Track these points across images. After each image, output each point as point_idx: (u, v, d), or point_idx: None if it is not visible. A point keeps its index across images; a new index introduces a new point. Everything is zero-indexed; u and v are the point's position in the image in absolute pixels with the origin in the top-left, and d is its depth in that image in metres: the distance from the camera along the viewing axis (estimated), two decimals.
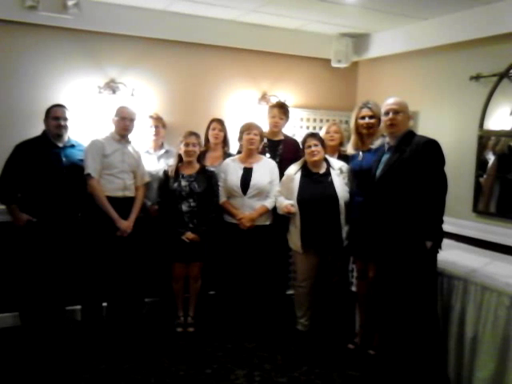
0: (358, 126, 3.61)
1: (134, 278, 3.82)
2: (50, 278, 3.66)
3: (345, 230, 3.62)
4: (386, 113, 3.15)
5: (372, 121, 3.53)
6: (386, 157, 3.20)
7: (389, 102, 3.17)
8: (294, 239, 3.72)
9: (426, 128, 4.30)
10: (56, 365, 3.37)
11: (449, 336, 3.17)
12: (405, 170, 3.03)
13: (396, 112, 3.12)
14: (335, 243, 3.62)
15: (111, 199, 3.62)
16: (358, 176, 3.57)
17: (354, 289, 3.96)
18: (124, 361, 3.45)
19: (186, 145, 3.77)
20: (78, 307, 3.93)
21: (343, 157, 3.87)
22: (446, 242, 3.60)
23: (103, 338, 3.73)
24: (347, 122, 3.94)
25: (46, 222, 3.60)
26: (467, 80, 3.95)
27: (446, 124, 4.19)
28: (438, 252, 3.06)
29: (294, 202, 3.65)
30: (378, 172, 3.19)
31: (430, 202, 2.97)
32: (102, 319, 3.84)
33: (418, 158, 2.98)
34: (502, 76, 3.70)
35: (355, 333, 3.76)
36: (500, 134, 3.74)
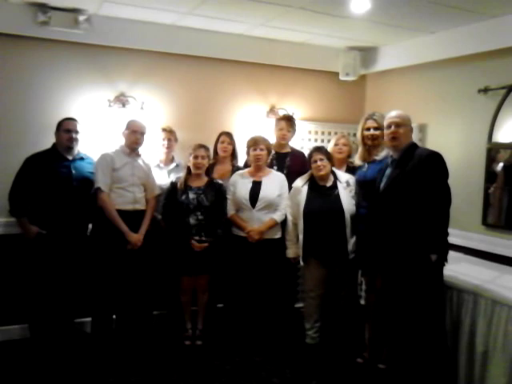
0: (363, 138, 3.63)
1: (143, 290, 3.82)
2: (59, 290, 3.67)
3: (351, 242, 3.61)
4: (388, 126, 3.17)
5: (377, 132, 3.55)
6: (389, 170, 3.20)
7: (391, 115, 3.19)
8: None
9: (434, 141, 4.31)
10: (64, 377, 3.37)
11: (459, 350, 3.15)
12: (407, 184, 3.03)
13: (398, 125, 3.12)
14: (341, 256, 3.61)
15: (121, 212, 3.63)
16: (363, 187, 3.58)
17: (363, 302, 3.94)
18: (132, 374, 3.44)
19: (195, 157, 3.78)
20: (88, 319, 3.93)
21: (351, 169, 3.89)
22: (455, 255, 3.59)
23: (112, 350, 3.73)
24: (355, 135, 3.95)
25: (55, 235, 3.61)
26: (475, 93, 3.96)
27: (455, 137, 4.19)
28: (444, 265, 3.04)
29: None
30: (382, 185, 3.20)
31: (434, 215, 2.96)
32: (112, 332, 3.84)
33: (421, 171, 2.98)
34: (511, 89, 3.70)
35: (365, 346, 3.73)
36: (509, 147, 3.73)
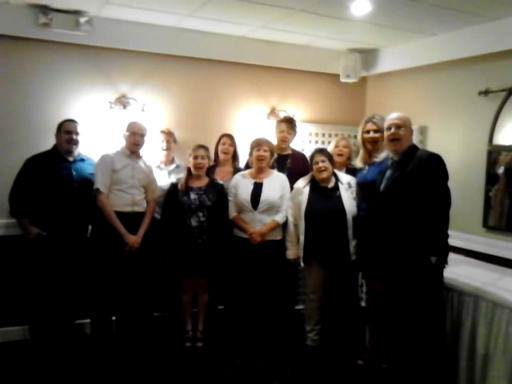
0: (364, 141, 3.64)
1: (142, 292, 3.82)
2: (59, 292, 3.67)
3: (352, 244, 3.61)
4: (389, 128, 3.16)
5: (376, 135, 3.55)
6: (388, 172, 3.20)
7: (391, 117, 3.18)
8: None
9: (435, 143, 4.31)
10: (65, 379, 3.36)
11: (460, 353, 3.14)
12: (407, 186, 3.02)
13: (398, 127, 3.12)
14: (342, 257, 3.61)
15: (120, 214, 3.63)
16: (363, 189, 3.58)
17: (363, 304, 3.93)
18: (132, 375, 3.44)
19: (195, 157, 3.78)
20: (88, 321, 3.93)
21: (351, 171, 3.89)
22: (455, 257, 3.58)
23: (112, 352, 3.73)
24: (356, 137, 3.95)
25: (56, 236, 3.61)
26: (476, 95, 3.96)
27: (456, 139, 4.19)
28: (444, 267, 3.04)
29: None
30: (382, 187, 3.20)
31: (434, 217, 2.95)
32: (112, 333, 3.83)
33: (421, 173, 2.98)
34: (511, 91, 3.70)
35: (366, 348, 3.73)
36: (510, 149, 3.73)
